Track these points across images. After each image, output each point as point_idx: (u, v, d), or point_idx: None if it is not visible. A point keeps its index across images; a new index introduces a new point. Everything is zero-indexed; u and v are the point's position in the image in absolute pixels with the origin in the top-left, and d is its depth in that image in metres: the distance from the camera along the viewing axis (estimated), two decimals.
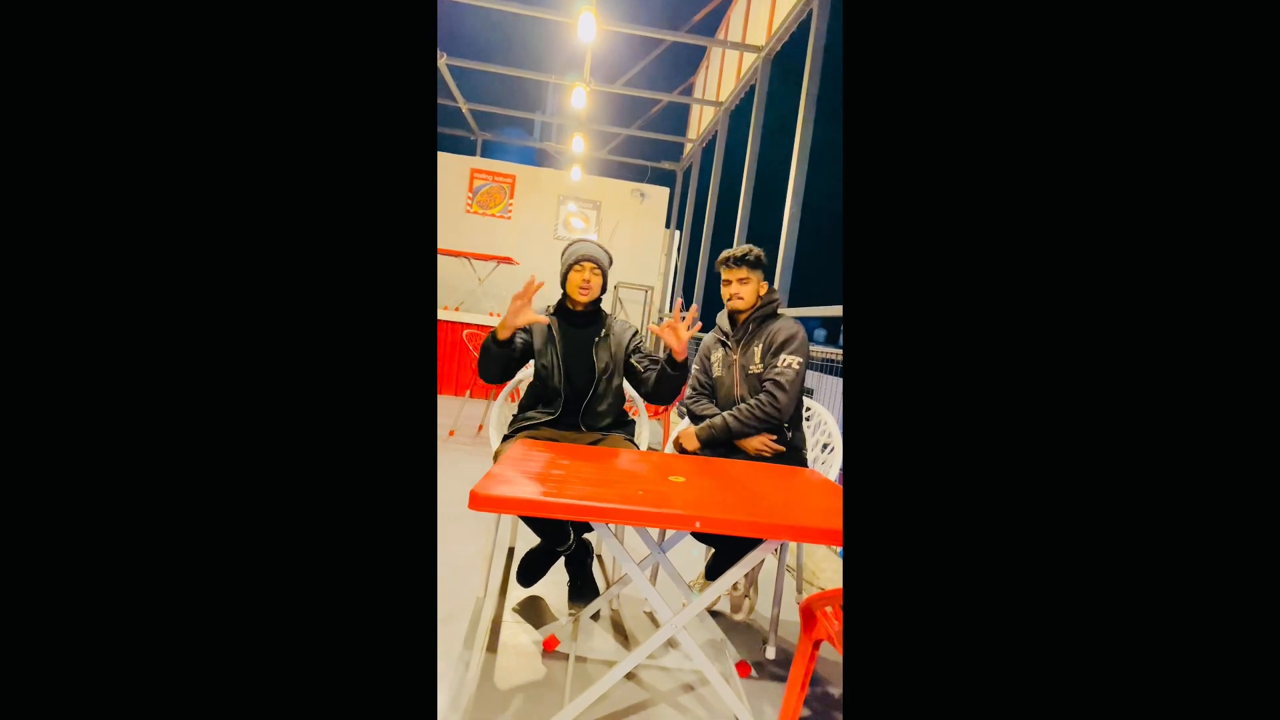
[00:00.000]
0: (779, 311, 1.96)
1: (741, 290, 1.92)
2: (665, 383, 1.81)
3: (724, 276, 1.94)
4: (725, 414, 1.87)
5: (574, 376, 1.87)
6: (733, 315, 1.97)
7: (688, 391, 2.01)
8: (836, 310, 2.67)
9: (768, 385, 1.83)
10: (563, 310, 1.94)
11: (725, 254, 1.94)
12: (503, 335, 1.74)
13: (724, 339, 1.97)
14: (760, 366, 1.88)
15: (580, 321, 1.92)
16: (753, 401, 1.84)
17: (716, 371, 1.96)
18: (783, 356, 1.84)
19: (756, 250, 1.93)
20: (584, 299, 1.89)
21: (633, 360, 1.91)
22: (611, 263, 1.98)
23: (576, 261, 1.88)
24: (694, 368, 2.02)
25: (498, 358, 1.80)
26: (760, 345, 1.90)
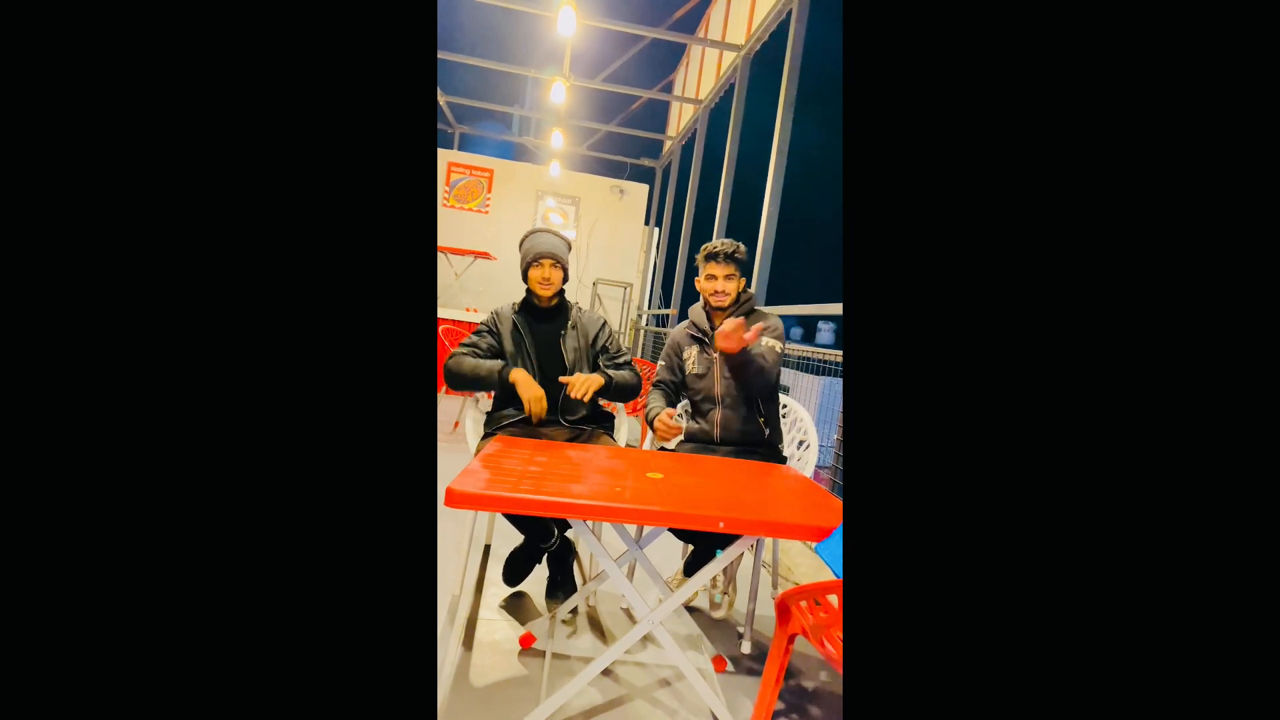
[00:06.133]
0: (755, 309, 1.95)
1: (727, 287, 1.89)
2: (625, 391, 1.87)
3: (708, 270, 1.89)
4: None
5: (548, 371, 1.87)
6: (709, 311, 1.94)
7: (649, 389, 1.99)
8: (817, 309, 2.70)
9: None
10: (527, 306, 1.94)
11: (712, 247, 1.88)
12: (512, 378, 1.78)
13: (702, 336, 1.94)
14: None
15: (545, 316, 1.93)
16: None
17: (692, 369, 1.93)
18: (764, 339, 1.84)
19: (744, 247, 1.90)
20: (546, 293, 1.90)
21: (600, 361, 1.92)
22: (570, 249, 1.98)
23: (535, 259, 1.88)
24: (660, 365, 2.00)
25: (481, 387, 1.83)
26: None
